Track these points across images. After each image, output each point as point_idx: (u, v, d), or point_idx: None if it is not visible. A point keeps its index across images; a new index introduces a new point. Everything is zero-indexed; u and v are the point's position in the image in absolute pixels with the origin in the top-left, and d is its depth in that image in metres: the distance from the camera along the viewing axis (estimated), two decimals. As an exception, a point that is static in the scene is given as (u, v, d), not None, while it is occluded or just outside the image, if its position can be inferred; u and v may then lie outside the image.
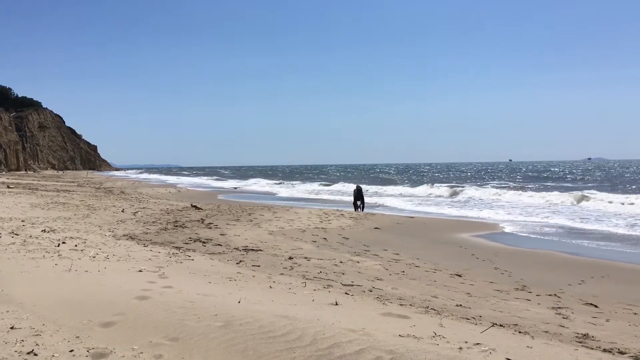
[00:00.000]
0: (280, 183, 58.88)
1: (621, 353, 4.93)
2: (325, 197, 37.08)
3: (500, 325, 5.59)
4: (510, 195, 32.45)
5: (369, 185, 46.55)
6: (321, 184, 54.30)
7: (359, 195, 24.02)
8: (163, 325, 4.35)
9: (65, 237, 10.37)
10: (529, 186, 43.36)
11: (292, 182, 59.70)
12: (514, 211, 23.28)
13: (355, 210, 23.15)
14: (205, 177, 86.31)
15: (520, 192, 34.60)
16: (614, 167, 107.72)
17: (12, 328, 4.22)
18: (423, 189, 40.73)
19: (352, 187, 47.27)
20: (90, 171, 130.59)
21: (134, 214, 17.35)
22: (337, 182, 54.96)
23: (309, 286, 7.02)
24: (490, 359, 3.83)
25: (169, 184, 56.39)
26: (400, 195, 37.45)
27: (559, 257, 11.88)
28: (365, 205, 24.04)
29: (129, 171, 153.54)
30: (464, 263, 10.91)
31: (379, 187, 44.23)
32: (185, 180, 72.89)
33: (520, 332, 5.34)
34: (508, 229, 17.14)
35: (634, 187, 42.19)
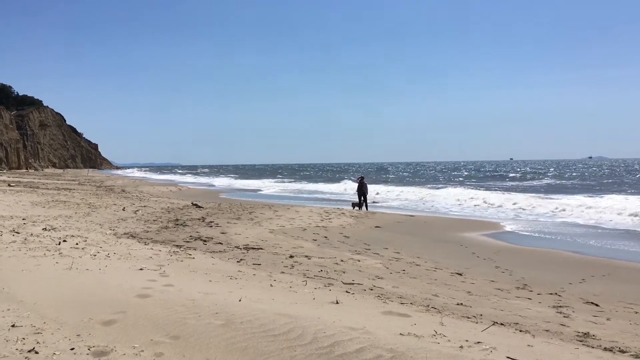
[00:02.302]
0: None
1: (622, 352, 4.92)
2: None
3: (501, 324, 5.59)
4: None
5: (311, 183, 52.37)
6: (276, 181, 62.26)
7: (360, 190, 23.07)
8: (164, 324, 4.35)
9: (66, 235, 10.38)
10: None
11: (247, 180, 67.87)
12: (514, 210, 23.26)
13: (359, 208, 22.45)
14: (179, 175, 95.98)
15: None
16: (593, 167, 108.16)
17: (13, 326, 4.22)
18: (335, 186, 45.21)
19: (274, 185, 50.69)
20: (91, 169, 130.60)
21: (135, 212, 17.36)
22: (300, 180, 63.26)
23: (310, 285, 7.02)
24: (491, 358, 3.83)
25: (170, 183, 56.49)
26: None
27: (560, 255, 11.87)
28: (365, 203, 23.05)
29: (127, 170, 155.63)
30: (465, 262, 10.91)
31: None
32: (162, 177, 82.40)
33: (521, 331, 5.34)
34: (509, 227, 17.14)
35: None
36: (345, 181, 51.74)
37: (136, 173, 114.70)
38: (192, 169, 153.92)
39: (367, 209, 22.54)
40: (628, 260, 11.35)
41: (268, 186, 49.75)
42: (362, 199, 23.02)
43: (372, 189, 32.27)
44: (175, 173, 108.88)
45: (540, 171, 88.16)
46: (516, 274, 9.72)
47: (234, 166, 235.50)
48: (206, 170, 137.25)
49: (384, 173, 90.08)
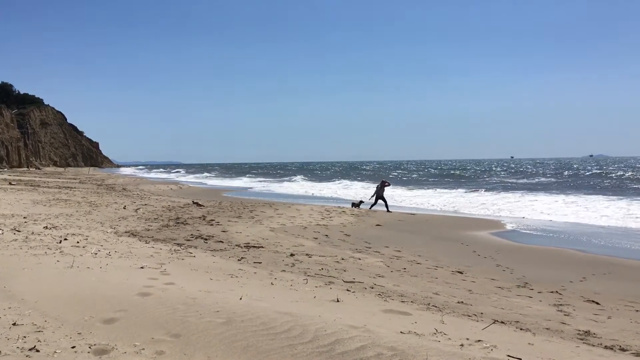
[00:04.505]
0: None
1: (623, 350, 4.92)
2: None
3: (502, 322, 5.59)
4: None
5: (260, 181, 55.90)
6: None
7: (379, 192, 22.78)
8: (165, 322, 4.36)
9: (67, 233, 10.39)
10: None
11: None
12: (516, 208, 23.25)
13: (358, 207, 22.25)
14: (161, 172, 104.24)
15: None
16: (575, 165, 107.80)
17: (14, 324, 4.23)
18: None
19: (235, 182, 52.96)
20: (92, 168, 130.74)
21: (136, 210, 17.37)
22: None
23: (311, 283, 7.03)
24: (492, 356, 3.83)
25: (171, 181, 56.58)
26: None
27: (560, 253, 11.87)
28: (374, 204, 22.51)
29: (122, 168, 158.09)
30: (466, 260, 10.91)
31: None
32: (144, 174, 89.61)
33: (521, 329, 5.34)
34: (510, 226, 17.12)
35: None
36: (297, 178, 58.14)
37: (128, 171, 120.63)
38: (189, 168, 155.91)
39: (369, 208, 22.32)
40: (629, 258, 11.34)
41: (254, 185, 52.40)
42: (376, 200, 22.86)
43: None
44: (155, 171, 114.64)
45: (509, 169, 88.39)
46: (517, 272, 9.72)
47: (234, 164, 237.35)
48: (196, 169, 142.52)
49: (357, 171, 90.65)
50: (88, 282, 5.86)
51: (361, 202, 23.02)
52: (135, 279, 6.18)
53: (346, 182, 48.75)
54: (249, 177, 70.81)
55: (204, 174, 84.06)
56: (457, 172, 76.49)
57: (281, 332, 4.09)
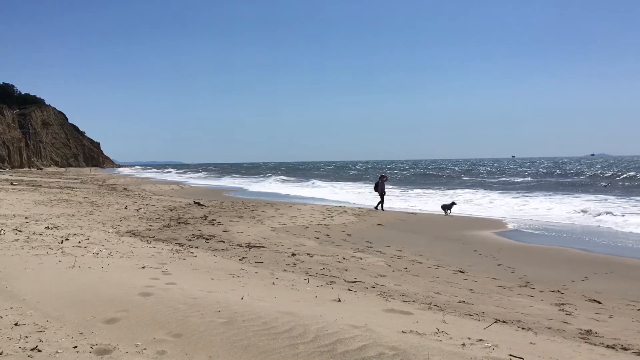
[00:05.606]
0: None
1: (625, 349, 4.92)
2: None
3: (503, 322, 5.59)
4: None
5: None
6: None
7: (378, 188, 22.39)
8: (166, 322, 4.36)
9: (69, 233, 10.40)
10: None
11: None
12: (516, 208, 23.23)
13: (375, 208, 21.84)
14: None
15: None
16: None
17: (16, 324, 4.23)
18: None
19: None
20: (93, 168, 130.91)
21: (137, 210, 17.38)
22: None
23: (312, 282, 7.03)
24: (493, 355, 3.82)
25: (172, 181, 56.65)
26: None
27: (562, 253, 11.85)
28: (382, 202, 22.09)
29: (120, 168, 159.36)
30: (467, 259, 10.90)
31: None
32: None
33: (523, 329, 5.34)
34: (511, 225, 17.11)
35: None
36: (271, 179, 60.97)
37: (126, 171, 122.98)
38: (187, 168, 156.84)
39: (381, 209, 21.99)
40: (631, 257, 11.33)
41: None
42: (382, 196, 22.50)
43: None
44: (148, 171, 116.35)
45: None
46: (518, 271, 9.71)
47: (232, 164, 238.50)
48: (189, 168, 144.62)
49: (345, 171, 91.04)
50: (90, 282, 5.86)
51: (453, 203, 21.43)
52: (137, 279, 6.18)
53: (319, 182, 49.88)
54: (233, 177, 72.33)
55: (191, 174, 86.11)
56: (433, 172, 77.12)
57: (282, 331, 4.09)
